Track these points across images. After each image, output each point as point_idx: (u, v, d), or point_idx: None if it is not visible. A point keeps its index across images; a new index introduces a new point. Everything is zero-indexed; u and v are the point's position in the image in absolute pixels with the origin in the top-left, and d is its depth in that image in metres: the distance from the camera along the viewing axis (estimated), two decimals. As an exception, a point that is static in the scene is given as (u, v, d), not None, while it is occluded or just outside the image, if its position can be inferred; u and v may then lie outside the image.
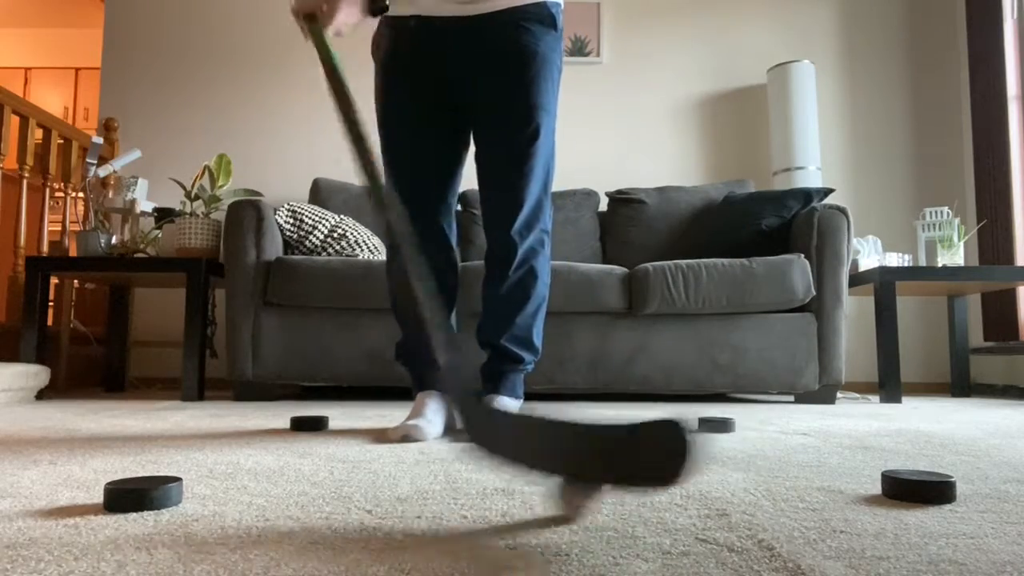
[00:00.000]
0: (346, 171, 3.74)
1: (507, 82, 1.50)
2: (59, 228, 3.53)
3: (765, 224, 2.82)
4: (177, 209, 2.99)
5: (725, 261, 2.55)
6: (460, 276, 1.67)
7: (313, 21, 1.30)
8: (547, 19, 1.53)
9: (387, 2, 1.40)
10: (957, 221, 2.91)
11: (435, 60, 1.52)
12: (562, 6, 1.59)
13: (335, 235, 2.74)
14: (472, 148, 1.62)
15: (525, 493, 0.89)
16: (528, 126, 1.50)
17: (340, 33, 1.35)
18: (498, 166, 1.52)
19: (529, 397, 2.77)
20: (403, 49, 1.54)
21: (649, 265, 2.56)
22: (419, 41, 1.51)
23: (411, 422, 1.42)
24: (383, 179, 1.09)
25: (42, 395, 2.66)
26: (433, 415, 1.48)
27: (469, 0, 1.49)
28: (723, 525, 0.74)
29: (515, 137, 1.50)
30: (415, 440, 1.38)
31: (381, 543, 0.66)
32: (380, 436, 1.47)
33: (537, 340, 1.59)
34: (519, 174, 1.50)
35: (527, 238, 1.53)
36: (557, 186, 3.29)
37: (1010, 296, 3.22)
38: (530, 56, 1.50)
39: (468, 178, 2.82)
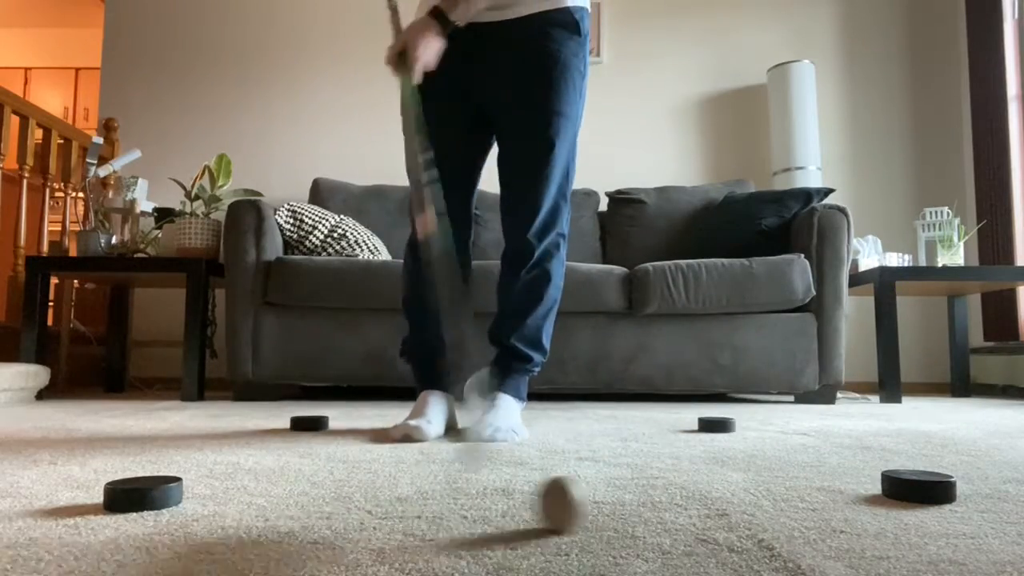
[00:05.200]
0: (346, 171, 3.74)
1: (528, 87, 1.52)
2: (59, 228, 3.53)
3: (765, 224, 2.82)
4: (177, 209, 2.99)
5: (725, 261, 2.55)
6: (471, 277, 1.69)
7: (403, 62, 1.36)
8: (571, 25, 1.54)
9: (458, 23, 1.43)
10: (957, 221, 2.91)
11: (460, 65, 1.53)
12: (588, 11, 1.60)
13: (335, 235, 2.74)
14: (495, 150, 1.65)
15: (525, 493, 0.89)
16: (547, 131, 1.52)
17: (430, 65, 1.40)
18: (517, 170, 1.55)
19: (529, 397, 2.76)
20: None
21: (649, 265, 2.56)
22: (445, 47, 1.50)
23: (412, 422, 1.43)
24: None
25: (42, 395, 2.66)
26: (434, 415, 1.49)
27: (495, 7, 1.52)
28: (723, 525, 0.74)
29: (534, 142, 1.52)
30: (416, 440, 1.38)
31: (381, 543, 0.66)
32: (380, 435, 1.47)
33: (546, 342, 1.61)
34: (537, 178, 1.53)
35: (543, 241, 1.55)
36: (557, 186, 3.29)
37: (1010, 296, 3.22)
38: (552, 61, 1.52)
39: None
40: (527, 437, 1.47)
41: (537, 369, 1.61)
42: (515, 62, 1.53)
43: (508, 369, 1.58)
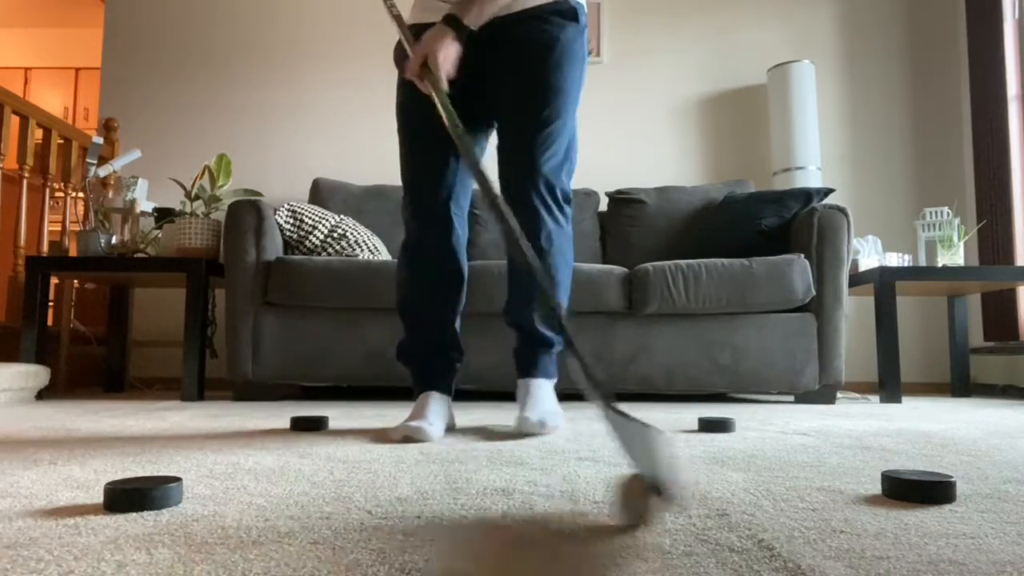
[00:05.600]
0: (346, 171, 3.74)
1: (528, 67, 1.53)
2: (59, 228, 3.53)
3: (765, 224, 2.82)
4: (177, 209, 2.99)
5: (725, 261, 2.55)
6: (468, 278, 1.68)
7: (428, 72, 1.39)
8: (568, 13, 1.57)
9: (471, 27, 1.44)
10: (957, 221, 2.91)
11: (461, 64, 1.53)
12: (585, 8, 1.62)
13: (335, 235, 2.74)
14: (492, 148, 1.67)
15: (525, 493, 0.89)
16: (548, 105, 1.53)
17: (451, 73, 1.42)
18: (518, 143, 1.54)
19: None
20: None
21: (649, 265, 2.57)
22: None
23: (413, 423, 1.43)
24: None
25: (42, 395, 2.66)
26: (435, 416, 1.49)
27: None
28: (723, 525, 0.74)
29: (535, 116, 1.53)
30: (416, 440, 1.39)
31: (381, 543, 0.66)
32: (380, 436, 1.48)
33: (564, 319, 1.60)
34: (538, 151, 1.53)
35: (545, 211, 1.54)
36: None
37: (1010, 296, 3.22)
38: (551, 43, 1.54)
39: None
40: (563, 422, 1.57)
41: (561, 346, 1.61)
42: (516, 49, 1.55)
43: (535, 354, 1.59)
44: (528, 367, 1.59)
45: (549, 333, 1.58)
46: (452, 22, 1.42)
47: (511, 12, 1.55)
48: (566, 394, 2.96)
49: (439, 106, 1.33)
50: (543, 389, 1.56)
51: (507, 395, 2.78)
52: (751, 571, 0.58)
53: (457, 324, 1.63)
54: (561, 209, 1.57)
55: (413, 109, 1.59)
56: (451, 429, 1.60)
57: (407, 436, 1.39)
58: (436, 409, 1.52)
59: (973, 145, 3.46)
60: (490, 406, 2.30)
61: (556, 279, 1.58)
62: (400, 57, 1.62)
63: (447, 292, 1.59)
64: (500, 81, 1.57)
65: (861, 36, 3.79)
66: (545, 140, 1.53)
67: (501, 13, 1.54)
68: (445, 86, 1.39)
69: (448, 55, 1.41)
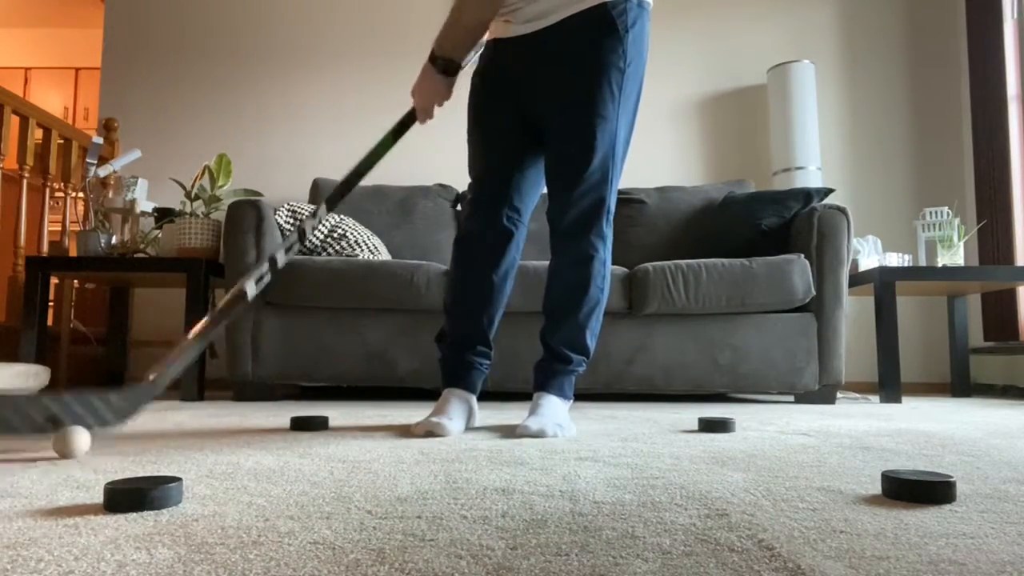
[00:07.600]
0: (346, 171, 3.74)
1: (564, 91, 1.55)
2: (59, 228, 3.53)
3: (765, 224, 2.82)
4: (177, 209, 2.99)
5: (725, 261, 2.55)
6: (514, 280, 1.79)
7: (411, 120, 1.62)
8: (605, 21, 1.51)
9: (454, 58, 1.57)
10: (957, 221, 2.91)
11: (508, 78, 1.62)
12: (635, 1, 1.54)
13: (335, 235, 2.74)
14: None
15: (525, 493, 0.89)
16: (581, 134, 1.54)
17: (431, 110, 1.62)
18: (553, 171, 1.58)
19: (528, 397, 2.76)
20: (484, 70, 1.67)
21: (649, 265, 2.57)
22: (495, 63, 1.64)
23: (434, 418, 1.49)
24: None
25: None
26: (456, 412, 1.55)
27: (530, 19, 1.57)
28: (723, 525, 0.74)
29: (569, 145, 1.55)
30: (438, 436, 1.45)
31: (381, 543, 0.66)
32: (405, 432, 1.52)
33: (589, 342, 1.62)
34: (571, 179, 1.55)
35: (578, 241, 1.57)
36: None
37: (1010, 296, 3.22)
38: (584, 64, 1.53)
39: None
40: (575, 433, 1.53)
41: (581, 369, 1.64)
42: (553, 68, 1.56)
43: (552, 370, 1.61)
44: (543, 382, 1.61)
45: (571, 353, 1.60)
46: (430, 57, 1.55)
47: (545, 25, 1.55)
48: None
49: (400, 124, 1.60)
50: (553, 404, 1.57)
51: (513, 395, 2.78)
52: (751, 571, 0.58)
53: (493, 328, 1.66)
54: (599, 236, 1.58)
55: (485, 111, 1.64)
56: (472, 425, 1.65)
57: (429, 431, 1.46)
58: (457, 405, 1.58)
59: (973, 145, 3.46)
60: (496, 406, 2.30)
61: (592, 309, 1.60)
62: (477, 84, 1.70)
63: (483, 294, 1.62)
64: (540, 105, 1.59)
65: (861, 36, 3.79)
66: (578, 169, 1.54)
67: (535, 28, 1.55)
68: (422, 121, 1.62)
69: (427, 92, 1.57)
